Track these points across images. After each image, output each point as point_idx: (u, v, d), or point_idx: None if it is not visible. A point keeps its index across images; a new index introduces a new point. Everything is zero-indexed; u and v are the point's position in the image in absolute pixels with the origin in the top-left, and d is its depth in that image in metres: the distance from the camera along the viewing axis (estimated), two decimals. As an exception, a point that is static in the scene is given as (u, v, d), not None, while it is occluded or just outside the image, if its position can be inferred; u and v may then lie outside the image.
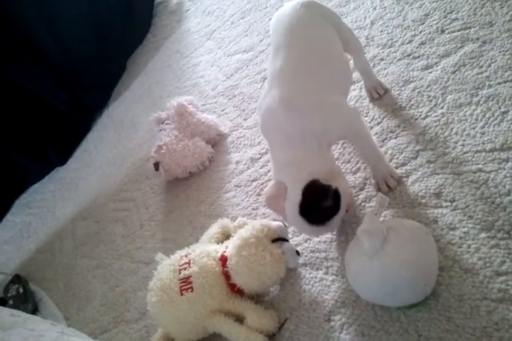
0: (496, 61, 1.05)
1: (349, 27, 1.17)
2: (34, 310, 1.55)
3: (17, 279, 1.70)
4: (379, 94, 1.21)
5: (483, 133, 0.96)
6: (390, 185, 1.01)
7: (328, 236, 1.03)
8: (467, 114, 1.01)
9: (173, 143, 1.52)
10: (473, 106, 1.01)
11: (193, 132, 1.56)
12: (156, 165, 1.53)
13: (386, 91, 1.20)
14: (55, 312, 1.51)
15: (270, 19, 1.85)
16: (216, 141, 1.59)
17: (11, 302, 1.58)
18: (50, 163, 2.32)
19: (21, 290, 1.62)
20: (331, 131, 0.93)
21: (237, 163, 1.43)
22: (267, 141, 1.01)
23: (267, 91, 0.98)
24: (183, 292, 1.00)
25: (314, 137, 0.90)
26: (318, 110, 0.92)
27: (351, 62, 1.21)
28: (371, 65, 1.29)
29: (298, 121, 0.91)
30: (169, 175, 1.55)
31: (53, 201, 2.14)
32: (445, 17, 1.24)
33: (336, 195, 0.87)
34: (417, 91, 1.15)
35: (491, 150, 0.92)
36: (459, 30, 1.18)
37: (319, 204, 0.87)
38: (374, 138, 1.12)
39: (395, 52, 1.28)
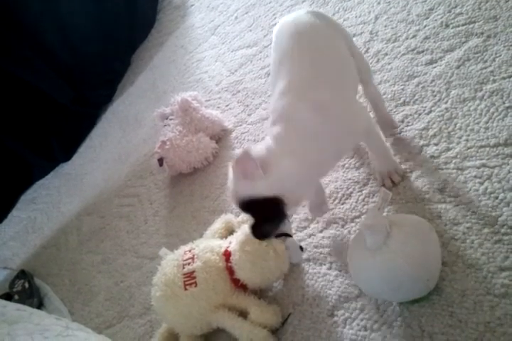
0: (500, 56, 1.04)
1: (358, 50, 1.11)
2: (39, 305, 1.56)
3: (22, 274, 1.71)
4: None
5: (487, 128, 0.95)
6: (394, 181, 1.00)
7: (332, 231, 1.04)
8: (471, 108, 1.01)
9: (177, 139, 1.52)
10: (478, 101, 1.01)
11: (197, 127, 1.56)
12: (161, 161, 1.54)
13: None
14: (60, 307, 1.53)
15: (274, 14, 1.86)
16: (220, 137, 1.59)
17: (16, 297, 1.59)
18: (55, 159, 2.34)
19: (27, 285, 1.64)
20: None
21: (241, 158, 1.43)
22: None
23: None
24: (187, 287, 1.00)
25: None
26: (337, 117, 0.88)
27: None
28: (375, 59, 1.29)
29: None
30: (173, 170, 1.56)
31: (58, 197, 2.15)
32: (449, 11, 1.23)
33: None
34: (421, 86, 1.14)
35: (495, 146, 0.92)
36: (463, 25, 1.17)
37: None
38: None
39: (399, 46, 1.27)
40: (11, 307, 0.79)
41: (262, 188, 0.83)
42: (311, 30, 0.96)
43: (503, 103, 0.96)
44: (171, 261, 1.07)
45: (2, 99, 2.12)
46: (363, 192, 1.05)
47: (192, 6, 2.54)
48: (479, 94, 1.02)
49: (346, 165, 1.13)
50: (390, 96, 1.18)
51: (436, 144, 1.01)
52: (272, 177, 0.83)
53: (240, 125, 1.55)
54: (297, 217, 1.13)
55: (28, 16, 2.06)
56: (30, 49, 2.11)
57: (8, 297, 1.59)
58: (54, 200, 2.16)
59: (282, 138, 0.86)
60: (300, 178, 0.87)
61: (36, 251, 1.91)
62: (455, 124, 1.01)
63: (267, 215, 0.88)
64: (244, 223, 1.10)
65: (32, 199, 2.32)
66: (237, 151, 1.46)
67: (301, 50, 0.93)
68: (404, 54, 1.25)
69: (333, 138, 0.88)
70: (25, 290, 1.62)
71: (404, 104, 1.14)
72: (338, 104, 0.89)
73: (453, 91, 1.07)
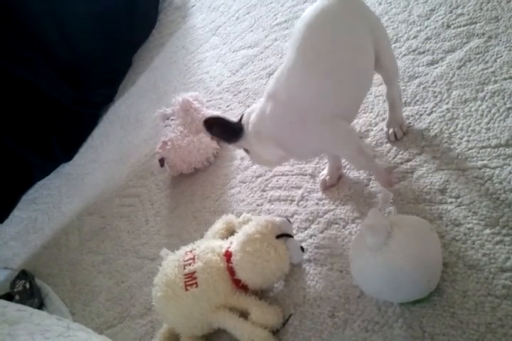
0: (501, 56, 1.04)
1: (389, 41, 1.07)
2: (40, 305, 1.56)
3: (23, 275, 1.71)
4: (396, 138, 1.08)
5: (488, 129, 0.95)
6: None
7: (332, 232, 1.04)
8: (472, 109, 1.01)
9: (178, 139, 1.52)
10: (479, 102, 1.01)
11: (198, 128, 1.56)
12: (162, 161, 1.54)
13: (405, 134, 1.09)
14: (61, 307, 1.53)
15: (275, 14, 1.86)
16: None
17: (17, 297, 1.59)
18: (56, 159, 2.34)
19: (28, 285, 1.64)
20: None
21: (242, 159, 1.43)
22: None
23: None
24: (188, 287, 1.00)
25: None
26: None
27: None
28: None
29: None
30: (174, 170, 1.56)
31: (59, 197, 2.15)
32: (451, 12, 1.23)
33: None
34: (422, 86, 1.14)
35: (496, 146, 0.92)
36: (464, 26, 1.17)
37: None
38: (379, 134, 1.12)
39: (400, 47, 1.27)
40: (12, 308, 0.79)
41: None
42: (330, 15, 0.91)
43: (505, 104, 0.96)
44: (172, 262, 1.07)
45: (3, 99, 2.13)
46: (364, 192, 1.05)
47: (193, 6, 2.54)
48: (480, 94, 1.02)
49: (348, 167, 1.13)
50: (391, 96, 1.18)
51: (437, 145, 1.01)
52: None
53: (241, 125, 1.55)
54: (298, 217, 1.13)
55: (29, 16, 2.07)
56: (31, 49, 2.11)
57: (9, 297, 1.59)
58: (55, 200, 2.16)
59: (265, 115, 0.94)
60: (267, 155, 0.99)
61: (37, 251, 1.91)
62: (456, 125, 1.01)
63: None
64: (245, 223, 1.10)
65: (33, 200, 2.32)
66: (238, 151, 1.47)
67: (313, 30, 0.90)
68: (405, 54, 1.24)
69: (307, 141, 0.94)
70: (26, 290, 1.62)
71: (405, 104, 1.14)
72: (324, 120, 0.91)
73: (454, 92, 1.07)
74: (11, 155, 2.24)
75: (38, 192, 2.34)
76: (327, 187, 1.13)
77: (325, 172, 1.14)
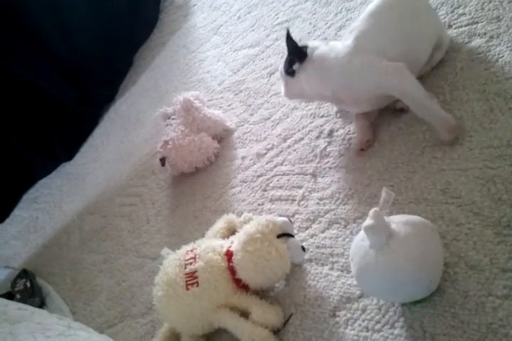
0: (503, 56, 1.04)
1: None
2: (41, 305, 1.56)
3: (24, 274, 1.72)
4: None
5: (490, 129, 0.95)
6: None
7: (334, 232, 1.04)
8: (474, 109, 1.01)
9: (179, 139, 1.52)
10: (481, 102, 1.01)
11: (199, 127, 1.56)
12: (163, 161, 1.54)
13: None
14: (62, 306, 1.53)
15: (277, 14, 1.86)
16: (222, 137, 1.59)
17: (18, 296, 1.59)
18: (57, 158, 2.34)
19: (28, 284, 1.64)
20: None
21: (243, 158, 1.43)
22: None
23: None
24: (189, 287, 1.00)
25: None
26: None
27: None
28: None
29: None
30: (175, 170, 1.56)
31: (60, 196, 2.16)
32: (452, 12, 1.23)
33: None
34: (424, 86, 1.14)
35: (498, 147, 0.91)
36: (466, 25, 1.17)
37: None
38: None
39: (401, 47, 1.27)
40: (13, 307, 0.79)
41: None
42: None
43: (506, 104, 0.96)
44: (172, 261, 1.07)
45: (5, 98, 2.13)
46: (366, 192, 1.05)
47: (194, 5, 2.54)
48: (482, 95, 1.02)
49: (349, 166, 1.13)
50: (392, 96, 1.18)
51: (438, 145, 1.01)
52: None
53: (242, 125, 1.55)
54: (299, 217, 1.13)
55: (30, 15, 2.06)
56: (33, 48, 2.11)
57: (10, 296, 1.59)
58: (56, 200, 2.16)
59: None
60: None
61: (38, 250, 1.92)
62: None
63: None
64: (245, 223, 1.10)
65: (34, 199, 2.32)
66: (239, 150, 1.47)
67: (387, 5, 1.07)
68: (406, 54, 1.24)
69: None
70: (27, 289, 1.62)
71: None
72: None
73: (456, 92, 1.07)
74: (13, 155, 2.24)
75: (39, 191, 2.35)
76: (365, 146, 1.12)
77: (356, 135, 1.15)
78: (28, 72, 2.13)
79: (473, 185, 0.90)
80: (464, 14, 1.20)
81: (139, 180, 1.76)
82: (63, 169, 2.34)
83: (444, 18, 1.23)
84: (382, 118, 1.16)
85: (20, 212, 2.30)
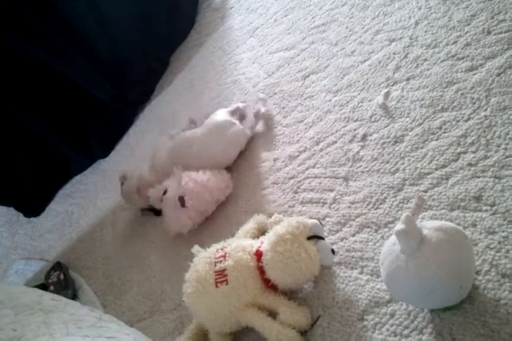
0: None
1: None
2: (73, 297, 1.60)
3: (58, 266, 1.76)
4: None
5: (527, 137, 0.94)
6: None
7: (364, 236, 1.04)
8: (511, 117, 0.99)
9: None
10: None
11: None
12: (182, 200, 1.40)
13: None
14: (93, 299, 1.56)
15: (313, 17, 1.87)
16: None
17: (51, 288, 1.64)
18: (93, 155, 2.39)
19: (62, 276, 1.68)
20: None
21: (276, 160, 1.44)
22: None
23: None
24: (218, 284, 1.02)
25: None
26: None
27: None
28: (414, 65, 1.28)
29: None
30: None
31: (95, 192, 2.20)
32: (492, 18, 1.21)
33: None
34: (460, 92, 1.13)
35: (535, 155, 0.90)
36: (505, 32, 1.16)
37: None
38: (415, 139, 1.11)
39: (439, 52, 1.26)
40: (47, 297, 0.82)
41: None
42: None
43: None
44: (203, 259, 1.09)
45: (45, 95, 2.19)
46: (397, 197, 1.05)
47: (231, 8, 2.56)
48: (520, 102, 1.00)
49: (381, 170, 1.13)
50: (428, 102, 1.17)
51: (473, 152, 1.00)
52: None
53: (276, 127, 1.56)
54: (330, 220, 1.13)
55: (74, 18, 2.12)
56: (77, 49, 2.16)
57: (43, 287, 1.64)
58: (91, 195, 2.21)
59: None
60: None
61: (72, 244, 1.96)
62: (494, 132, 1.00)
63: None
64: (276, 224, 1.11)
65: (69, 194, 2.38)
66: (272, 152, 1.48)
67: None
68: (444, 60, 1.24)
69: None
70: (60, 281, 1.66)
71: (442, 110, 1.13)
72: None
73: (493, 99, 1.06)
74: (51, 151, 2.30)
75: (75, 187, 2.40)
76: None
77: None
78: (72, 72, 2.19)
79: (508, 193, 0.89)
80: (504, 20, 1.18)
81: (172, 178, 1.79)
82: (98, 166, 2.39)
83: (483, 24, 1.22)
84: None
85: (56, 207, 2.36)
